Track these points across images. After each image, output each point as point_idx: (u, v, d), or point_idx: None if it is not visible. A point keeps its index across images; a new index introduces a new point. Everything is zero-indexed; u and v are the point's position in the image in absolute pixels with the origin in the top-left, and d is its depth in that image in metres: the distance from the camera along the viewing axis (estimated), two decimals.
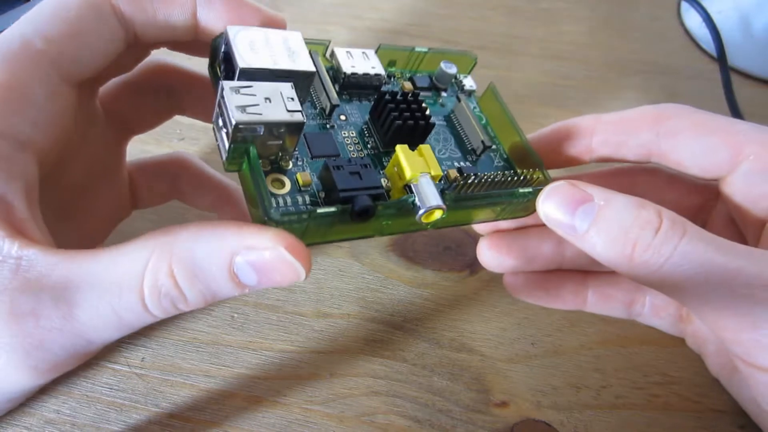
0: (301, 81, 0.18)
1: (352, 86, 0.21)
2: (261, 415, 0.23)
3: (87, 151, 0.22)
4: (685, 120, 0.21)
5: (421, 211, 0.17)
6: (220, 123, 0.16)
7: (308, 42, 0.19)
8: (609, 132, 0.21)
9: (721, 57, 0.39)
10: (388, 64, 0.23)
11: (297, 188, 0.17)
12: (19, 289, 0.15)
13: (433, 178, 0.18)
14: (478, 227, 0.26)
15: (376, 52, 0.22)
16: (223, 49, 0.18)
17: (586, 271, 0.26)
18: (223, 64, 0.18)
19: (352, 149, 0.20)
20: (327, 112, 0.20)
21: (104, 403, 0.23)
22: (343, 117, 0.20)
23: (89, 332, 0.16)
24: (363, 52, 0.21)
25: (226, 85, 0.16)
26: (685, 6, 0.48)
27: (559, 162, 0.24)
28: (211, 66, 0.19)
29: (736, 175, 0.20)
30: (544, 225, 0.23)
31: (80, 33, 0.18)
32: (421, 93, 0.23)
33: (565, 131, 0.23)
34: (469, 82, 0.24)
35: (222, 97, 0.16)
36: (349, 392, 0.24)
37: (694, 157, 0.21)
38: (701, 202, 0.24)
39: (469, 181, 0.18)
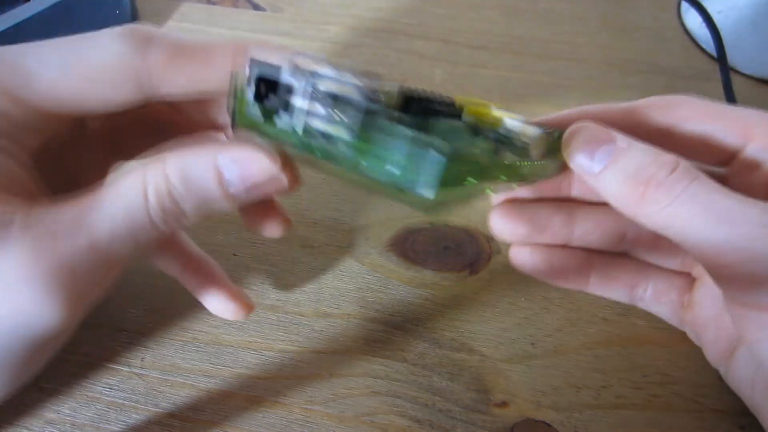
0: None
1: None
2: (261, 415, 0.23)
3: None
4: (691, 108, 0.22)
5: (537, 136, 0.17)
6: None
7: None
8: (617, 122, 0.22)
9: (721, 57, 0.39)
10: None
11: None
12: (38, 238, 0.16)
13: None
14: (492, 197, 0.25)
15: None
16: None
17: (592, 250, 0.26)
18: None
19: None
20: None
21: (104, 403, 0.23)
22: None
23: (110, 253, 0.17)
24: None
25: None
26: (685, 6, 0.48)
27: None
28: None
29: (745, 153, 0.21)
30: (556, 199, 0.23)
31: (85, 92, 0.18)
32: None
33: (577, 117, 0.23)
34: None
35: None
36: (349, 392, 0.24)
37: (704, 143, 0.21)
38: None
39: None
